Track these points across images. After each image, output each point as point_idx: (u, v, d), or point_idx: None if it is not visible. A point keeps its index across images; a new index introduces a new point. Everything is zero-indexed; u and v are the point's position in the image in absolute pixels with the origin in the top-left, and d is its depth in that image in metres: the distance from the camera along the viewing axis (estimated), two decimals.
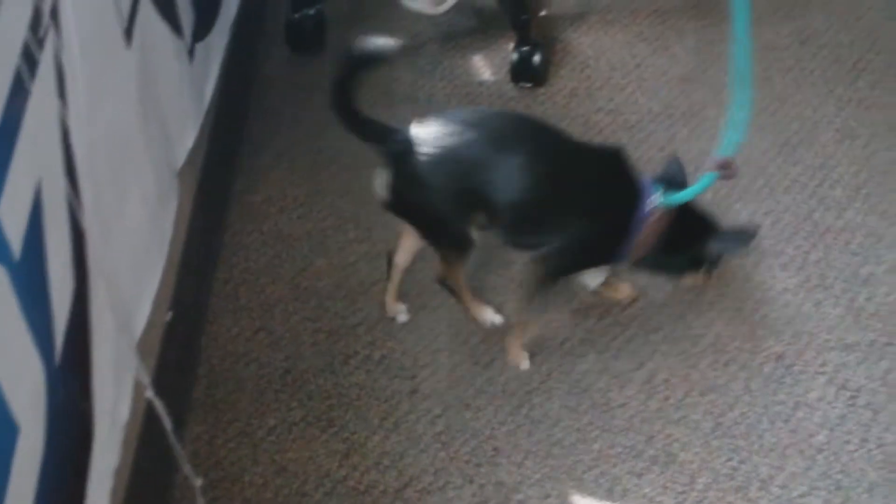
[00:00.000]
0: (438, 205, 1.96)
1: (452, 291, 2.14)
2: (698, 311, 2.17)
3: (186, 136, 2.26)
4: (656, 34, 2.88)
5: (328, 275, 2.34)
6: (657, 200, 1.98)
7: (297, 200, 2.53)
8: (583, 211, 1.98)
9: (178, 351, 2.10)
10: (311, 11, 2.93)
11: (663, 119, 2.62)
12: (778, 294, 2.20)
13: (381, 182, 1.98)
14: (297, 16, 2.93)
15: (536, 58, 2.71)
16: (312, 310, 2.27)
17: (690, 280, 2.14)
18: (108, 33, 1.79)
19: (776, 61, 2.75)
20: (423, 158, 1.92)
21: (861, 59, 2.75)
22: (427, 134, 1.95)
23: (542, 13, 2.97)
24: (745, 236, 2.08)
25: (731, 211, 2.36)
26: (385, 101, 2.73)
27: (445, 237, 2.03)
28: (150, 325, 1.89)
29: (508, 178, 1.93)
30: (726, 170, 1.95)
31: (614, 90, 2.71)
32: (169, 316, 2.06)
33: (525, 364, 2.11)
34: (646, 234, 1.98)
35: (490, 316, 2.18)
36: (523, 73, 2.72)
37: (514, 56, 2.72)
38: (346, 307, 2.27)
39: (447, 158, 1.92)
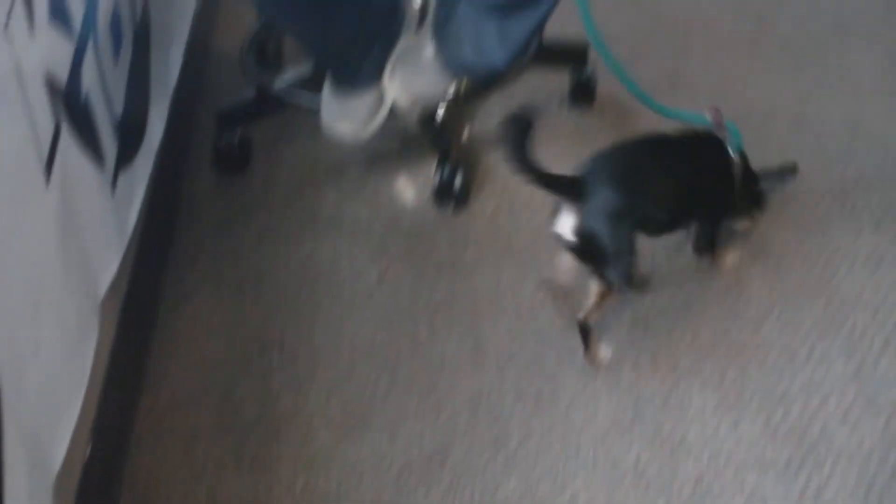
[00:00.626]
0: (622, 233, 2.20)
1: (585, 335, 2.32)
2: (619, 433, 2.20)
3: (109, 266, 2.26)
4: (575, 153, 2.90)
5: (251, 403, 2.34)
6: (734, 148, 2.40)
7: (222, 326, 2.53)
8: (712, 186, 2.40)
9: (98, 483, 2.08)
10: (237, 135, 2.97)
11: None
12: (696, 414, 2.23)
13: (566, 227, 2.22)
14: (222, 140, 2.97)
15: (458, 180, 2.76)
16: (235, 440, 2.26)
17: (742, 225, 2.56)
18: (25, 174, 1.81)
19: None
20: (602, 196, 2.20)
21: None
22: (596, 175, 2.24)
23: (465, 135, 3.04)
24: (786, 173, 2.52)
25: (649, 330, 2.41)
26: (310, 224, 2.77)
27: (623, 266, 2.24)
28: (70, 459, 1.87)
29: (665, 192, 2.29)
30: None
31: (535, 210, 2.76)
32: (89, 447, 2.05)
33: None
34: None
35: (605, 352, 2.36)
36: (445, 195, 2.77)
37: (436, 179, 2.77)
38: (269, 437, 2.26)
39: (620, 192, 2.21)
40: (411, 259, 2.65)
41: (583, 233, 2.19)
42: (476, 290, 2.55)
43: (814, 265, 2.57)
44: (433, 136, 2.83)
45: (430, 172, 2.82)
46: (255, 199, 2.90)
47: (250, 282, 2.64)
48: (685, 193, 2.32)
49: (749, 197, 2.48)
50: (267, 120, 3.03)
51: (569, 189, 2.21)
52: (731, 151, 2.39)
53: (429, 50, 2.60)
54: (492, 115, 3.12)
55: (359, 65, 2.60)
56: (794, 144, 2.95)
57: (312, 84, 2.78)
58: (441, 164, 2.78)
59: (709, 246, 2.52)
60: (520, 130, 2.16)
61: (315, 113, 2.75)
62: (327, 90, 2.69)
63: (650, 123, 3.04)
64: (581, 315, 2.30)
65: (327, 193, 2.88)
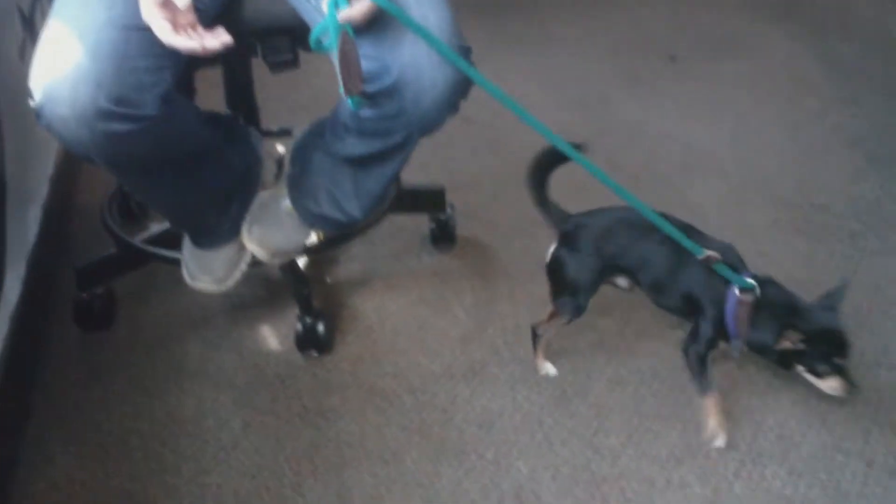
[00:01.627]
0: (581, 274, 2.57)
1: (535, 340, 2.70)
2: None
3: None
4: (437, 296, 3.02)
5: None
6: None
7: (86, 486, 2.49)
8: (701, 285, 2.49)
9: None
10: (100, 290, 2.97)
11: (445, 380, 2.72)
12: None
13: (549, 251, 2.61)
14: (84, 295, 2.96)
15: (320, 327, 2.79)
16: None
17: (827, 386, 2.47)
18: None
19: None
20: (581, 237, 2.57)
21: (627, 308, 2.94)
22: (588, 221, 2.59)
23: (328, 281, 3.10)
24: (835, 300, 2.48)
25: (512, 468, 2.45)
26: (175, 376, 2.77)
27: (571, 300, 2.59)
28: None
29: (647, 254, 2.53)
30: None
31: (398, 354, 2.82)
32: None
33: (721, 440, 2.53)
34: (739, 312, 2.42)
35: (549, 368, 2.73)
36: (308, 342, 2.80)
37: (299, 326, 2.80)
38: None
39: (598, 239, 2.56)
40: (276, 407, 2.65)
41: (554, 259, 2.59)
42: (341, 436, 2.56)
43: (669, 393, 2.66)
44: (295, 285, 2.87)
45: (293, 319, 2.85)
46: (120, 354, 2.89)
47: (115, 438, 2.61)
48: (670, 271, 2.50)
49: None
50: (130, 274, 3.04)
51: (557, 219, 2.59)
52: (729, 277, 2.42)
53: (286, 203, 2.65)
54: (354, 259, 3.19)
55: (216, 223, 2.64)
56: None
57: (175, 238, 2.81)
58: (303, 311, 2.81)
59: (691, 352, 2.52)
60: (550, 160, 2.54)
61: (178, 265, 2.77)
62: (186, 246, 2.72)
63: (506, 266, 3.15)
64: (534, 322, 2.70)
65: (192, 344, 2.88)
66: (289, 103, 3.77)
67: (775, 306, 2.41)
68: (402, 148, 2.34)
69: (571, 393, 2.67)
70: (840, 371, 2.43)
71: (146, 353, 2.87)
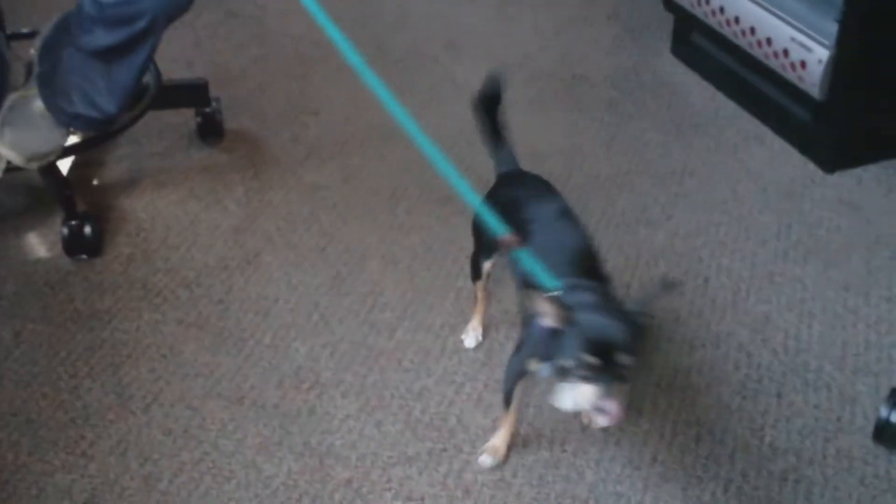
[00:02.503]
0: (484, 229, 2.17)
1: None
2: (267, 454, 2.25)
3: None
4: (207, 190, 3.00)
5: None
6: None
7: None
8: None
9: None
10: None
11: (219, 271, 2.72)
12: (341, 422, 2.32)
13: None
14: None
15: (88, 229, 2.74)
16: None
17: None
18: None
19: (321, 201, 2.95)
20: (497, 189, 2.33)
21: (397, 188, 2.99)
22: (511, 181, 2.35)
23: (95, 183, 3.03)
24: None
25: (290, 350, 2.49)
26: None
27: (474, 257, 2.39)
28: None
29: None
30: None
31: (170, 250, 2.79)
32: None
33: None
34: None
35: (468, 339, 2.52)
36: (76, 245, 2.75)
37: (65, 230, 2.74)
38: None
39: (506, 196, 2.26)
40: (48, 314, 2.60)
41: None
42: (116, 335, 2.54)
43: (441, 266, 2.73)
44: (56, 189, 2.79)
45: (60, 224, 2.78)
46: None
47: None
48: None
49: None
50: None
51: (499, 161, 2.40)
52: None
53: (38, 104, 2.57)
54: (121, 158, 3.13)
55: None
56: (415, 159, 3.10)
57: None
58: (68, 215, 2.75)
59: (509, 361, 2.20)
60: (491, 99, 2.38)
61: None
62: None
63: (276, 155, 3.15)
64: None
65: None
66: (39, 4, 3.61)
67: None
68: (148, 34, 2.30)
69: (346, 273, 2.71)
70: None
71: None
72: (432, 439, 2.29)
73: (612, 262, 2.72)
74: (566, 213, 2.19)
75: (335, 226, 2.86)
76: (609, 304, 1.92)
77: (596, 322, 1.82)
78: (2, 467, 2.24)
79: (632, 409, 2.34)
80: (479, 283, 2.43)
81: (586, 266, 2.06)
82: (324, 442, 2.28)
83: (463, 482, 2.20)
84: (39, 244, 2.85)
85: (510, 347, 2.46)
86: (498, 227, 2.03)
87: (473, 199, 2.10)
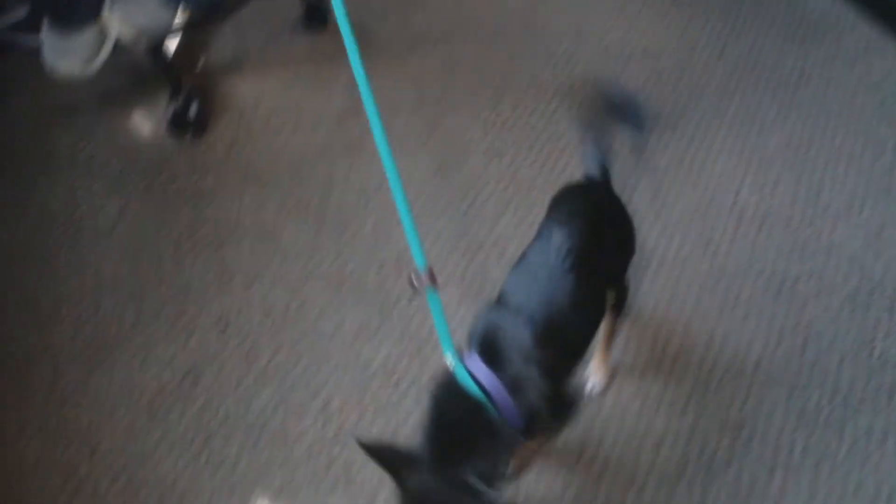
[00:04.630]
0: None
1: None
2: (366, 338, 2.25)
3: None
4: (311, 76, 2.97)
5: None
6: None
7: None
8: None
9: None
10: None
11: (322, 157, 2.70)
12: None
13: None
14: None
15: (193, 109, 2.73)
16: None
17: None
18: None
19: (426, 91, 2.90)
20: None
21: (503, 81, 2.93)
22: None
23: (200, 64, 3.01)
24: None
25: (391, 238, 2.47)
26: (44, 167, 2.70)
27: None
28: None
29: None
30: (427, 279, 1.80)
31: (273, 133, 2.78)
32: None
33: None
34: None
35: None
36: (181, 125, 2.74)
37: (170, 110, 2.73)
38: (17, 378, 2.21)
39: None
40: (152, 191, 2.61)
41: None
42: (218, 215, 2.54)
43: (545, 163, 2.68)
44: (164, 68, 2.79)
45: (165, 104, 2.78)
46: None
47: None
48: None
49: None
50: None
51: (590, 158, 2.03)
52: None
53: None
54: (226, 44, 3.11)
55: (75, 0, 2.53)
56: (523, 53, 3.05)
57: (32, 25, 2.69)
58: (174, 94, 2.74)
59: None
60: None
61: (38, 54, 2.67)
62: (46, 29, 2.61)
63: (382, 43, 3.10)
64: None
65: (61, 135, 2.80)
66: None
67: None
68: None
69: (449, 164, 2.68)
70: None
71: (13, 145, 2.79)
72: None
73: (720, 165, 2.65)
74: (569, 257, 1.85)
75: (439, 116, 2.81)
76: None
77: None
78: (106, 337, 2.27)
79: (737, 312, 2.28)
80: None
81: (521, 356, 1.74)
82: (423, 328, 2.27)
83: None
84: (145, 123, 2.85)
85: None
86: (418, 256, 1.77)
87: None
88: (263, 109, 2.86)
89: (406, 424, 2.09)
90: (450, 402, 1.70)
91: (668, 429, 2.08)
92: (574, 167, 2.65)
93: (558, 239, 1.85)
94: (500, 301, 1.78)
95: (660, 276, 2.38)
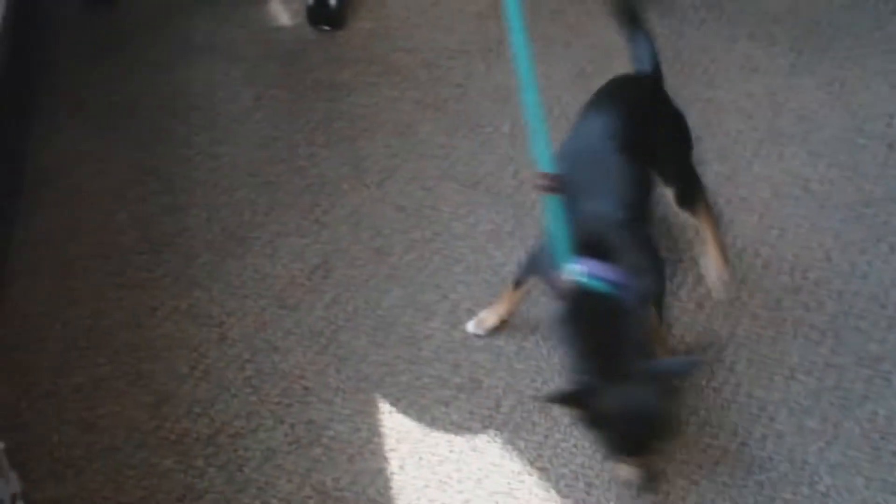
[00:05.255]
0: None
1: None
2: (498, 242, 2.22)
3: None
4: None
5: (130, 228, 2.30)
6: None
7: (94, 155, 2.47)
8: None
9: None
10: None
11: (460, 55, 2.65)
12: None
13: None
14: None
15: (332, 0, 2.70)
16: (115, 265, 2.23)
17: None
18: None
19: None
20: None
21: None
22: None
23: None
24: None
25: (528, 141, 2.41)
26: (182, 51, 2.70)
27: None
28: None
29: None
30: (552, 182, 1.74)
31: (411, 29, 2.73)
32: None
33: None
34: None
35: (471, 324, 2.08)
36: (321, 16, 2.72)
37: (311, 0, 2.70)
38: (150, 260, 2.24)
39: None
40: (288, 81, 2.60)
41: None
42: (354, 109, 2.52)
43: (690, 74, 2.59)
44: None
45: None
46: (125, 28, 2.81)
47: (123, 111, 2.57)
48: None
49: None
50: None
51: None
52: None
53: None
54: None
55: None
56: None
57: None
58: None
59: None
60: None
61: None
62: None
63: None
64: None
65: (199, 20, 2.80)
66: None
67: None
68: None
69: (590, 70, 2.61)
70: None
71: (152, 29, 2.79)
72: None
73: (873, 89, 2.54)
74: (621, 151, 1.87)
75: (582, 21, 2.74)
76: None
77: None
78: (239, 223, 2.28)
79: (882, 244, 2.20)
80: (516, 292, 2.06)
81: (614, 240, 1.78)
82: None
83: (696, 295, 2.12)
84: (283, 12, 2.83)
85: (759, 167, 2.35)
86: (544, 158, 1.73)
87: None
88: (401, 4, 2.81)
89: (537, 332, 2.06)
90: (590, 313, 1.72)
91: (803, 358, 2.02)
92: (721, 80, 2.56)
93: (601, 126, 1.90)
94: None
95: (803, 202, 2.29)
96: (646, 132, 1.93)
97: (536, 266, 1.92)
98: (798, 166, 2.37)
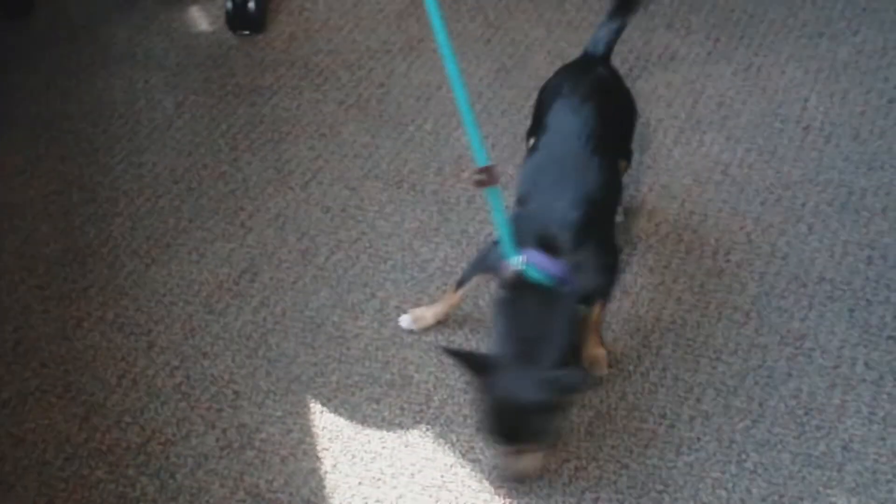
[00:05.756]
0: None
1: None
2: (424, 238, 2.23)
3: None
4: None
5: (55, 240, 2.28)
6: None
7: (17, 168, 2.45)
8: None
9: None
10: None
11: (381, 55, 2.66)
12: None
13: None
14: None
15: (252, 4, 2.69)
16: (41, 277, 2.21)
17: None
18: None
19: None
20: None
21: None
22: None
23: None
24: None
25: (450, 139, 2.43)
26: (102, 60, 2.68)
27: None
28: None
29: None
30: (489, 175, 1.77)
31: (333, 31, 2.74)
32: None
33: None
34: None
35: (406, 319, 2.10)
36: (240, 20, 2.71)
37: (229, 4, 2.70)
38: (75, 271, 2.22)
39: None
40: (209, 87, 2.59)
41: None
42: (276, 112, 2.52)
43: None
44: None
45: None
46: (42, 38, 2.78)
47: (44, 122, 2.55)
48: None
49: None
50: None
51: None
52: None
53: None
54: None
55: None
56: None
57: None
58: None
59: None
60: None
61: None
62: None
63: None
64: None
65: (118, 28, 2.78)
66: None
67: None
68: None
69: (510, 66, 2.63)
70: None
71: (71, 37, 2.77)
72: None
73: (789, 75, 2.59)
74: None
75: (501, 17, 2.76)
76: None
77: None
78: (164, 231, 2.27)
79: (801, 224, 2.24)
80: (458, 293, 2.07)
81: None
82: (481, 231, 2.24)
83: (622, 284, 2.14)
84: (203, 17, 2.82)
85: (678, 154, 2.38)
86: (479, 153, 1.75)
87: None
88: (322, 6, 2.81)
89: (464, 326, 2.07)
90: (523, 300, 1.77)
91: (727, 339, 2.06)
92: (640, 70, 2.60)
93: (577, 126, 1.94)
94: (529, 196, 1.90)
95: (723, 186, 2.33)
96: (614, 123, 2.03)
97: (484, 263, 1.96)
98: (717, 152, 2.41)
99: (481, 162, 1.74)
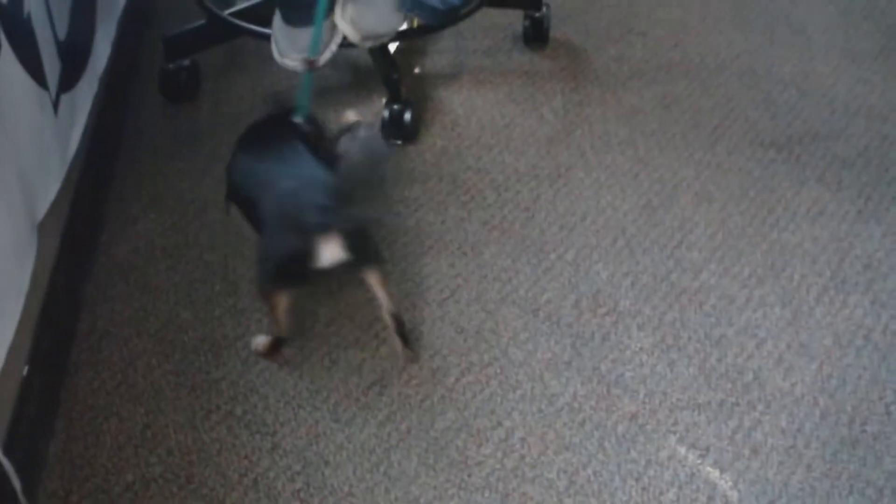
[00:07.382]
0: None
1: None
2: (556, 371, 2.22)
3: (48, 187, 2.24)
4: (525, 95, 2.96)
5: (193, 328, 2.33)
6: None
7: (165, 252, 2.52)
8: None
9: (34, 405, 2.07)
10: (186, 62, 2.94)
11: (529, 179, 2.68)
12: (633, 354, 2.26)
13: None
14: (171, 65, 2.94)
15: (407, 115, 2.75)
16: (176, 363, 2.26)
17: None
18: None
19: (639, 125, 2.85)
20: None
21: (720, 124, 2.86)
22: None
23: (416, 71, 3.03)
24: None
25: (591, 272, 2.43)
26: None
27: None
28: (5, 378, 1.87)
29: None
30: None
31: (483, 149, 2.77)
32: (25, 370, 2.03)
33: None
34: None
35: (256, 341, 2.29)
36: (394, 130, 2.76)
37: (385, 113, 2.76)
38: (210, 361, 2.26)
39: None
40: None
41: None
42: (420, 225, 2.55)
43: (756, 214, 2.60)
44: (384, 70, 2.81)
45: (379, 106, 2.81)
46: (203, 127, 2.88)
47: (195, 208, 2.63)
48: None
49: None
50: (217, 47, 3.01)
51: None
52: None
53: None
54: (443, 51, 3.12)
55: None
56: (743, 97, 2.97)
57: (264, 13, 2.75)
58: (391, 98, 2.76)
59: None
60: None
61: (266, 41, 2.72)
62: (277, 21, 2.66)
63: (597, 72, 3.07)
64: None
65: None
66: None
67: None
68: None
69: (656, 203, 2.62)
70: None
71: (229, 126, 2.84)
72: (725, 390, 2.19)
73: None
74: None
75: (651, 153, 2.76)
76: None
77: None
78: (299, 333, 2.30)
79: None
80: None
81: None
82: (613, 371, 2.22)
83: (752, 441, 2.10)
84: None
85: (821, 313, 2.34)
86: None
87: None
88: (475, 123, 2.86)
89: (588, 467, 2.05)
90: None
91: None
92: (787, 222, 2.57)
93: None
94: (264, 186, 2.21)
95: (864, 352, 2.27)
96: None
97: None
98: (861, 315, 2.36)
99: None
